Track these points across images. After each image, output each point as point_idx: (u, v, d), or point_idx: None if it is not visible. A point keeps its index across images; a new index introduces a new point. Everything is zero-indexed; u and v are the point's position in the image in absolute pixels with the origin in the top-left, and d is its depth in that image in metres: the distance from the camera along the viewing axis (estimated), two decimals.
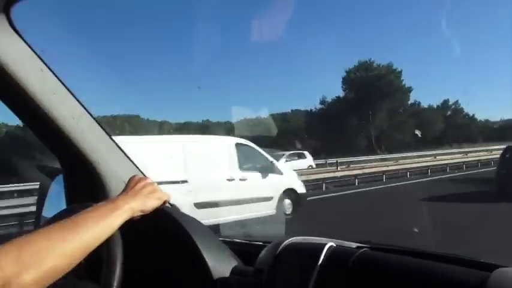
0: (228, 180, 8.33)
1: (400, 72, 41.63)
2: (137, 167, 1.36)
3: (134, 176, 1.06)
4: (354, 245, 0.99)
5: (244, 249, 1.15)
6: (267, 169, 9.18)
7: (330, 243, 0.92)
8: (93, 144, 1.25)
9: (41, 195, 1.69)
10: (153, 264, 1.09)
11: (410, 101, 43.71)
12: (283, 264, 0.92)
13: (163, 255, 1.08)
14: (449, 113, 44.67)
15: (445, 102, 44.98)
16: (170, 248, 1.06)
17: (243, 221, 7.91)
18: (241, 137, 9.61)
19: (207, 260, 0.97)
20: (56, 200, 1.57)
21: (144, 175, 1.25)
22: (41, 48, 1.18)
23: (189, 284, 1.03)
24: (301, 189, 9.91)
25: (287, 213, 9.27)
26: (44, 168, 1.75)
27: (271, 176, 9.15)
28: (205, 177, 8.04)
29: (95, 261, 1.11)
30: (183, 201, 7.01)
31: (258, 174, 9.03)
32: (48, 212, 1.64)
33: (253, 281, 0.93)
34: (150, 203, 0.98)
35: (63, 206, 1.44)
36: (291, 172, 10.30)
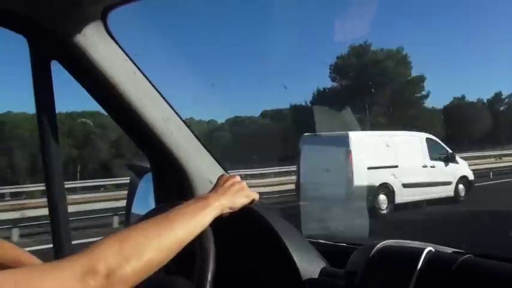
0: (423, 166, 10.73)
1: (405, 57, 33.68)
2: (222, 167, 1.39)
3: (223, 174, 1.08)
4: (449, 250, 0.94)
5: (329, 250, 1.13)
6: (448, 159, 11.46)
7: (429, 248, 0.87)
8: (181, 145, 1.29)
9: (130, 192, 1.77)
10: (240, 262, 1.10)
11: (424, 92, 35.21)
12: (378, 268, 0.89)
13: (250, 253, 1.09)
14: (502, 108, 37.33)
15: (497, 95, 37.23)
16: (258, 246, 1.06)
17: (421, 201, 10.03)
18: None
19: (295, 260, 0.97)
20: (145, 198, 1.64)
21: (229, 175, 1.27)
22: (134, 53, 1.24)
23: (276, 283, 1.02)
24: (471, 176, 11.92)
25: (461, 195, 11.35)
26: (134, 166, 1.83)
27: (451, 165, 11.42)
28: (409, 163, 10.39)
29: (184, 257, 1.14)
30: (394, 181, 9.95)
31: (442, 163, 11.28)
32: (137, 208, 1.71)
33: (344, 284, 0.91)
34: (238, 201, 1.00)
35: (152, 204, 1.50)
36: (463, 162, 12.31)
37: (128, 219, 1.75)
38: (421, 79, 34.35)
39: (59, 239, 1.26)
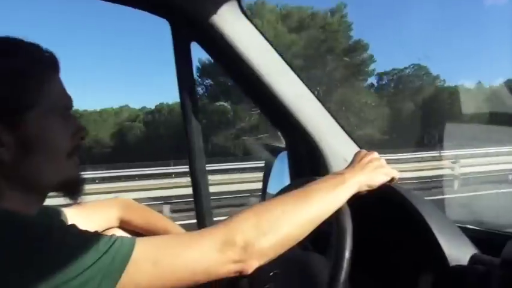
0: None
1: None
2: (358, 145, 1.33)
3: (360, 150, 1.03)
4: None
5: (479, 236, 1.01)
6: None
7: None
8: (315, 123, 1.27)
9: (266, 172, 1.80)
10: (378, 242, 1.04)
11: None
12: None
13: (390, 234, 1.03)
14: None
15: None
16: (398, 227, 1.00)
17: None
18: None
19: (441, 244, 0.88)
20: (280, 177, 1.65)
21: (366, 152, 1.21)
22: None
23: (419, 268, 0.95)
24: None
25: None
26: (268, 146, 1.86)
27: None
28: None
29: (320, 234, 1.12)
30: None
31: None
32: (272, 187, 1.74)
33: (501, 273, 0.80)
34: (377, 178, 0.94)
35: (287, 182, 1.50)
36: None
37: (264, 199, 1.78)
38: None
39: (201, 215, 1.33)
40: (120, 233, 1.16)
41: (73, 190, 0.85)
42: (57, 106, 0.80)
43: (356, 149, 1.30)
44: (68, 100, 0.83)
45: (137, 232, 1.17)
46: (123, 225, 1.17)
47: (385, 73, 32.86)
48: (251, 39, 1.19)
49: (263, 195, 1.80)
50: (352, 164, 0.98)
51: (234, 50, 1.18)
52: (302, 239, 0.83)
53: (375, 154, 0.99)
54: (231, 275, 0.77)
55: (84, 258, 0.66)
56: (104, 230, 1.14)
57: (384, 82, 33.52)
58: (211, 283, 1.14)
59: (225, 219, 0.79)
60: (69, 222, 0.97)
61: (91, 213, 1.10)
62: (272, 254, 0.80)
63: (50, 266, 0.65)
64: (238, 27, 1.18)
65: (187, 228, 1.24)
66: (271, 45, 1.22)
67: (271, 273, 0.97)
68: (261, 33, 1.21)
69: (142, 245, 0.71)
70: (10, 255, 0.65)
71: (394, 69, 32.80)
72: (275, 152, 1.74)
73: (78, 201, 0.90)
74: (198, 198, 1.31)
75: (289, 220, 0.80)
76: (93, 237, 0.70)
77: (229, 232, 0.76)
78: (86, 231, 0.71)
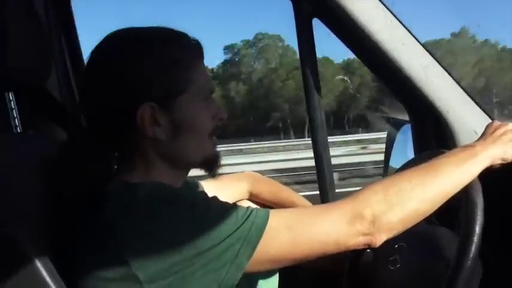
0: None
1: None
2: (490, 117, 1.25)
3: (493, 122, 0.97)
4: None
5: None
6: None
7: None
8: (442, 93, 1.21)
9: (388, 145, 1.78)
10: (510, 219, 0.99)
11: None
12: None
13: None
14: None
15: None
16: None
17: None
18: None
19: None
20: (402, 150, 1.63)
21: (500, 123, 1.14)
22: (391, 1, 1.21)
23: None
24: None
25: None
26: (391, 119, 1.83)
27: None
28: None
29: (448, 208, 1.09)
30: None
31: None
32: (394, 161, 1.71)
33: None
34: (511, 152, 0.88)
35: (410, 156, 1.47)
36: None
37: (386, 172, 1.77)
38: None
39: (324, 186, 1.37)
40: (249, 204, 1.25)
41: (212, 166, 0.92)
42: (202, 91, 0.86)
43: (488, 120, 1.23)
44: (211, 84, 0.90)
45: (265, 204, 1.25)
46: (252, 197, 1.25)
47: None
48: (375, 12, 1.17)
49: (385, 168, 1.78)
50: (483, 136, 0.93)
51: (357, 24, 1.17)
52: (430, 213, 0.82)
53: (510, 125, 0.94)
54: (360, 247, 0.79)
55: (226, 227, 0.72)
56: (235, 202, 1.23)
57: None
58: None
59: (353, 193, 0.80)
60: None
61: (224, 186, 1.19)
62: (400, 228, 0.80)
63: (196, 233, 0.71)
64: (361, 0, 1.17)
65: (310, 199, 1.30)
66: (396, 17, 1.19)
67: (396, 246, 0.97)
68: (385, 5, 1.18)
69: (276, 216, 0.76)
70: (164, 224, 0.72)
71: None
72: (398, 125, 1.70)
73: (216, 176, 1.00)
74: (320, 171, 1.34)
75: (417, 194, 0.80)
76: (232, 208, 0.76)
77: (358, 205, 0.77)
78: (225, 203, 0.78)
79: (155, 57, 0.82)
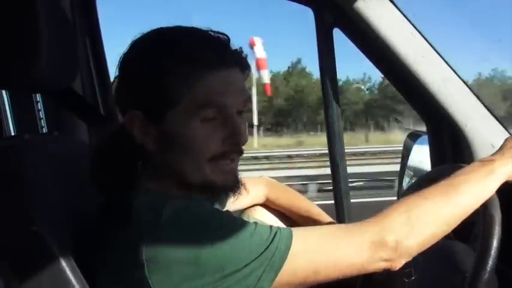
0: None
1: None
2: (508, 131, 1.25)
3: (511, 136, 0.97)
4: None
5: None
6: None
7: None
8: (461, 107, 1.22)
9: (404, 156, 1.77)
10: None
11: None
12: None
13: None
14: None
15: None
16: None
17: None
18: None
19: None
20: (419, 162, 1.62)
21: None
22: (412, 13, 1.22)
23: None
24: None
25: None
26: (407, 130, 1.82)
27: None
28: None
29: (462, 223, 1.09)
30: None
31: None
32: (410, 172, 1.71)
33: None
34: None
35: (426, 168, 1.47)
36: None
37: (401, 184, 1.76)
38: None
39: (339, 196, 1.38)
40: (262, 211, 1.25)
41: (215, 195, 0.86)
42: (202, 108, 0.76)
43: (506, 135, 1.23)
44: (217, 101, 0.77)
45: (279, 211, 1.25)
46: (268, 203, 1.24)
47: None
48: (395, 24, 1.18)
49: (400, 179, 1.77)
50: (501, 150, 0.92)
51: (376, 34, 1.19)
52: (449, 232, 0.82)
53: None
54: (379, 271, 0.78)
55: (250, 251, 0.71)
56: (250, 206, 1.24)
57: None
58: None
59: (378, 214, 0.79)
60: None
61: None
62: (420, 251, 0.80)
63: (221, 257, 0.70)
64: (381, 12, 1.18)
65: (324, 208, 1.30)
66: (417, 29, 1.20)
67: (411, 259, 0.98)
68: (406, 17, 1.19)
69: (299, 239, 0.74)
70: (188, 248, 0.70)
71: None
72: (414, 136, 1.70)
73: (222, 205, 0.97)
74: (336, 180, 1.36)
75: (438, 216, 0.80)
76: (256, 231, 0.73)
77: (381, 231, 0.76)
78: (250, 225, 0.75)
79: (147, 63, 0.76)
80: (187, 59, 0.75)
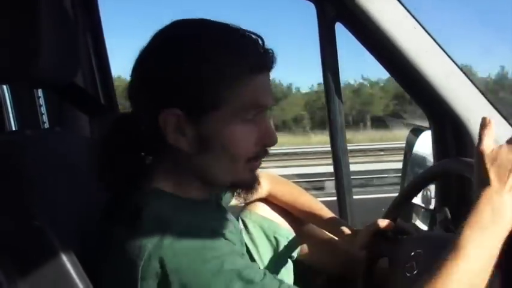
0: None
1: None
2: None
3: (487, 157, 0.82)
4: None
5: None
6: None
7: None
8: (464, 101, 1.21)
9: (407, 152, 1.77)
10: None
11: None
12: None
13: None
14: None
15: None
16: None
17: None
18: None
19: None
20: (422, 156, 1.62)
21: None
22: (414, 7, 1.22)
23: None
24: None
25: None
26: (410, 126, 1.82)
27: None
28: None
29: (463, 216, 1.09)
30: None
31: None
32: (413, 167, 1.70)
33: None
34: None
35: (429, 163, 1.47)
36: None
37: (404, 178, 1.76)
38: None
39: (342, 192, 1.38)
40: (263, 206, 1.25)
41: (244, 191, 0.85)
42: (248, 109, 0.76)
43: (509, 129, 1.22)
44: (267, 100, 0.79)
45: (281, 206, 1.25)
46: (270, 198, 1.24)
47: None
48: (398, 18, 1.17)
49: (403, 175, 1.77)
50: (497, 176, 0.78)
51: (380, 29, 1.18)
52: None
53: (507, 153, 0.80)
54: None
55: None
56: (252, 201, 1.24)
57: None
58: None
59: None
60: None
61: None
62: None
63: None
64: (384, 6, 1.17)
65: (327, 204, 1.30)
66: (420, 23, 1.19)
67: (413, 253, 0.97)
68: (409, 11, 1.19)
69: None
70: (185, 273, 0.69)
71: None
72: (417, 131, 1.70)
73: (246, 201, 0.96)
74: (339, 177, 1.35)
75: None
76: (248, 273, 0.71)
77: None
78: (244, 266, 0.73)
79: (197, 61, 0.74)
80: (235, 61, 0.74)
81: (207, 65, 0.73)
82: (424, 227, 1.49)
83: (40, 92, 1.17)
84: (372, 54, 1.30)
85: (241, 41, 0.76)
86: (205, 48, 0.74)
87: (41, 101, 1.17)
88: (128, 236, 0.73)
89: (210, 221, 0.82)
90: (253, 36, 0.78)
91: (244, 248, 1.01)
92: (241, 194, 0.86)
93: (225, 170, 0.79)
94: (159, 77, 0.75)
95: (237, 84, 0.74)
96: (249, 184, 0.83)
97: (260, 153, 0.81)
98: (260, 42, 0.78)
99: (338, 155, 1.33)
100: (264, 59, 0.77)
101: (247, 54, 0.75)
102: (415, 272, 0.94)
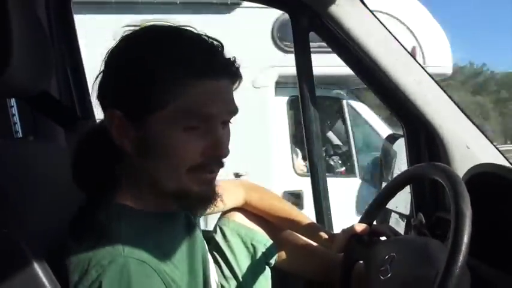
0: None
1: None
2: (483, 134, 1.28)
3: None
4: None
5: None
6: None
7: None
8: (435, 108, 1.24)
9: (383, 158, 1.80)
10: (497, 232, 1.01)
11: None
12: None
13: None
14: None
15: None
16: None
17: None
18: None
19: None
20: (397, 163, 1.65)
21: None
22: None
23: None
24: None
25: None
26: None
27: None
28: None
29: (438, 221, 1.11)
30: None
31: None
32: (388, 175, 1.74)
33: None
34: None
35: (403, 168, 1.50)
36: None
37: (381, 184, 1.79)
38: None
39: (318, 197, 1.39)
40: (241, 215, 1.24)
41: (189, 204, 0.82)
42: (188, 117, 0.74)
43: (479, 134, 1.25)
44: (205, 110, 0.75)
45: (257, 214, 1.24)
46: (247, 206, 1.22)
47: None
48: (369, 28, 1.20)
49: (380, 179, 1.81)
50: None
51: (352, 38, 1.21)
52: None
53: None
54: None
55: None
56: (229, 211, 1.23)
57: None
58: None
59: None
60: None
61: (222, 191, 1.16)
62: None
63: None
64: (355, 16, 1.20)
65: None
66: (390, 33, 1.22)
67: (387, 257, 0.99)
68: (380, 21, 1.21)
69: None
70: None
71: None
72: (392, 138, 1.73)
73: (198, 215, 0.94)
74: (315, 182, 1.36)
75: None
76: None
77: None
78: None
79: (134, 64, 0.74)
80: (176, 64, 0.72)
81: (144, 68, 0.73)
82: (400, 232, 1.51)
83: (13, 101, 1.15)
84: (345, 63, 1.33)
85: (185, 46, 0.75)
86: (144, 49, 0.74)
87: (14, 110, 1.15)
88: (78, 253, 0.74)
89: (160, 247, 0.79)
90: (209, 42, 0.76)
91: (207, 262, 0.99)
92: (196, 207, 0.83)
93: (167, 177, 0.77)
94: (104, 80, 0.77)
95: (177, 89, 0.72)
96: (202, 197, 0.80)
97: (207, 165, 0.77)
98: (217, 49, 0.76)
99: (314, 160, 1.35)
100: (213, 65, 0.74)
101: (191, 58, 0.73)
102: (389, 275, 0.95)
